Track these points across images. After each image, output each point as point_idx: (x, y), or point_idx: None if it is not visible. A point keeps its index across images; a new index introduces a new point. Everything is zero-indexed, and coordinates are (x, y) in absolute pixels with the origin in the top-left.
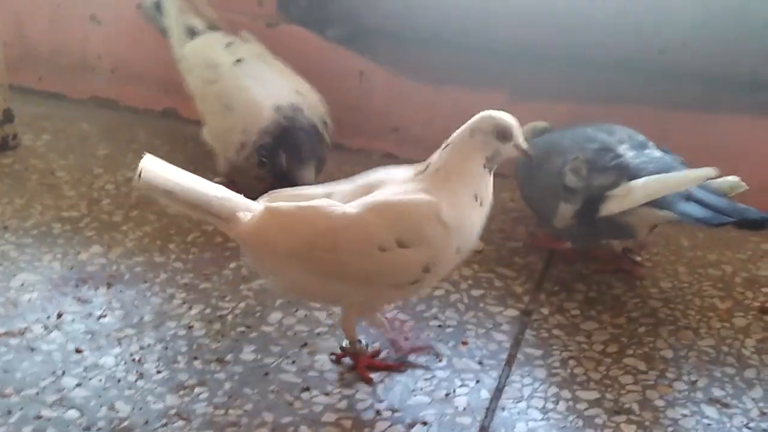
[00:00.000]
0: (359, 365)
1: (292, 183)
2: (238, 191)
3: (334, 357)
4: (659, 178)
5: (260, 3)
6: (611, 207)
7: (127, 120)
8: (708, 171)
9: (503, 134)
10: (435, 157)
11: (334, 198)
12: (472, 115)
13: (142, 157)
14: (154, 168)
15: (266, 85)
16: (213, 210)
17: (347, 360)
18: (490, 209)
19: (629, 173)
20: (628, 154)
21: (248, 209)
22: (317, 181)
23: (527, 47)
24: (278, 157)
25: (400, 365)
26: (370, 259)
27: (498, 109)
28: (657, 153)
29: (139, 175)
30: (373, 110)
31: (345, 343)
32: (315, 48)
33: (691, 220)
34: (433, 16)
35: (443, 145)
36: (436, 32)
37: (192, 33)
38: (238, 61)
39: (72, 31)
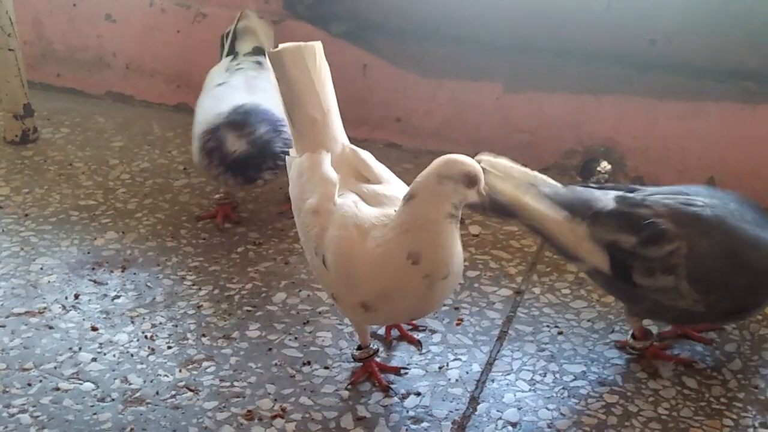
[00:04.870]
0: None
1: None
2: (234, 207)
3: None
4: None
5: (266, 1)
6: None
7: (141, 114)
8: None
9: (472, 181)
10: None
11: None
12: (470, 106)
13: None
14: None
15: (219, 104)
16: (299, 128)
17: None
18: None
19: None
20: None
21: (319, 149)
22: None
23: (522, 40)
24: (217, 135)
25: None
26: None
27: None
28: None
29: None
30: (375, 102)
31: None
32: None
33: None
34: (433, 12)
35: (406, 196)
36: (436, 27)
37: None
38: (219, 85)
39: (88, 29)
